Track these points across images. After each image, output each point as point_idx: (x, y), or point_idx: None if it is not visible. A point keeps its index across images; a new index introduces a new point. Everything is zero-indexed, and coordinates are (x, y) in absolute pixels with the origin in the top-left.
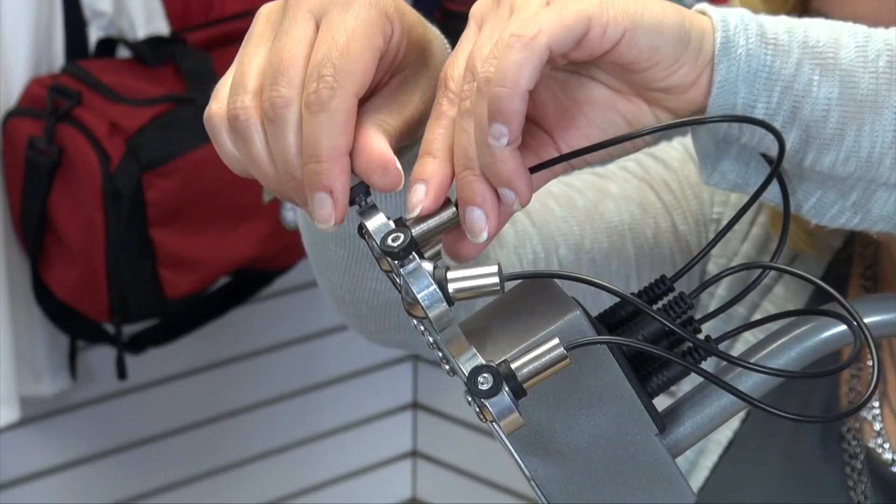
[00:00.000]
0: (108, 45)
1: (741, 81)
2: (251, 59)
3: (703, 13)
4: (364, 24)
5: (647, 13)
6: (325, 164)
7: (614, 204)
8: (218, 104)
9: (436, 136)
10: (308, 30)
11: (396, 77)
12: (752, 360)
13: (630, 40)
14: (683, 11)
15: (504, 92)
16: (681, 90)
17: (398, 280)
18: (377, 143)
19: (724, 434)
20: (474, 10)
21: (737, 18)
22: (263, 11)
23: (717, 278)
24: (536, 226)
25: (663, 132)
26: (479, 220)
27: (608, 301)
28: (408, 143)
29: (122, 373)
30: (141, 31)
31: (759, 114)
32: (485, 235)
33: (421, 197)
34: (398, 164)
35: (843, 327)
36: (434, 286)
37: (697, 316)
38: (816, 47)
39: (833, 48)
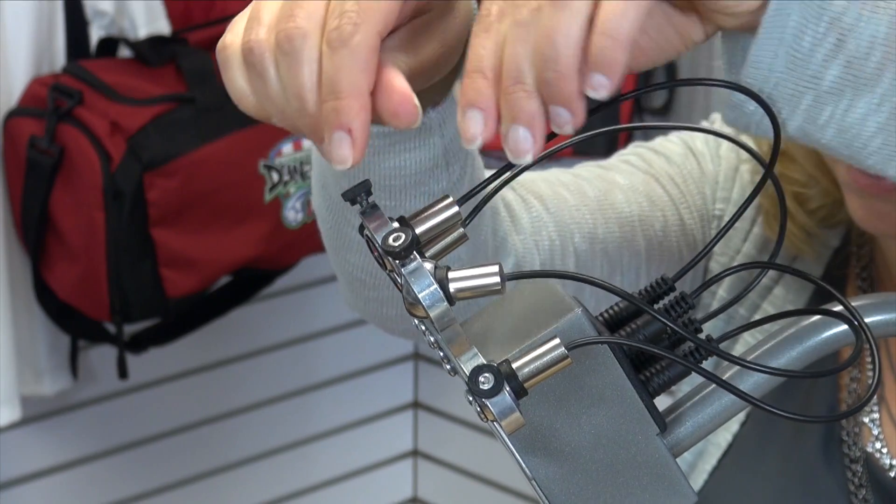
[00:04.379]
0: (109, 45)
1: (795, 4)
2: None
3: None
4: None
5: None
6: (344, 102)
7: (623, 195)
8: (233, 36)
9: (486, 50)
10: None
11: (417, 19)
12: (751, 360)
13: None
14: None
15: (610, 43)
16: (738, 7)
17: (399, 280)
18: (395, 80)
19: (724, 437)
20: None
21: None
22: None
23: (717, 278)
24: (551, 212)
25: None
26: (525, 141)
27: (610, 298)
28: (421, 88)
29: (123, 372)
30: (142, 31)
31: (805, 44)
32: (529, 158)
33: (480, 128)
34: (416, 101)
35: (844, 327)
36: (435, 286)
37: (699, 315)
38: None
39: None
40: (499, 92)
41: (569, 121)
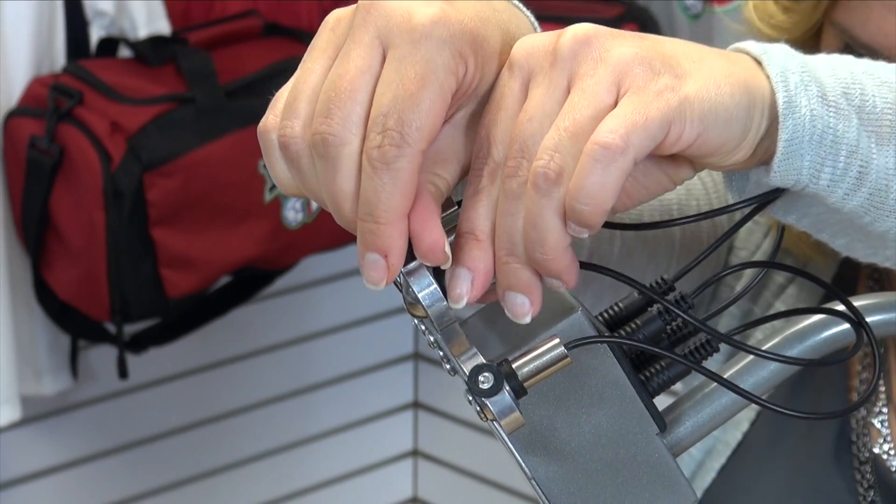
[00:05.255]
0: (109, 45)
1: (806, 143)
2: (308, 77)
3: (759, 62)
4: (435, 69)
5: (720, 106)
6: (383, 227)
7: None
8: (273, 118)
9: (478, 213)
10: (373, 59)
11: (464, 109)
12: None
13: (702, 141)
14: (748, 80)
15: (588, 209)
16: (726, 161)
17: (399, 279)
18: (428, 223)
19: (734, 435)
20: (517, 57)
21: (796, 77)
22: (331, 20)
23: (718, 277)
24: None
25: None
26: (522, 306)
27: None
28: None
29: (123, 372)
30: (142, 31)
31: (825, 179)
32: (528, 319)
33: (467, 288)
34: (447, 249)
35: (846, 326)
36: (435, 285)
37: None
38: (872, 113)
39: (891, 114)
40: (488, 255)
41: (562, 287)
